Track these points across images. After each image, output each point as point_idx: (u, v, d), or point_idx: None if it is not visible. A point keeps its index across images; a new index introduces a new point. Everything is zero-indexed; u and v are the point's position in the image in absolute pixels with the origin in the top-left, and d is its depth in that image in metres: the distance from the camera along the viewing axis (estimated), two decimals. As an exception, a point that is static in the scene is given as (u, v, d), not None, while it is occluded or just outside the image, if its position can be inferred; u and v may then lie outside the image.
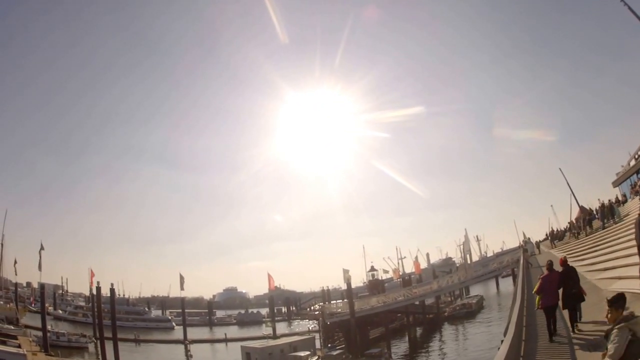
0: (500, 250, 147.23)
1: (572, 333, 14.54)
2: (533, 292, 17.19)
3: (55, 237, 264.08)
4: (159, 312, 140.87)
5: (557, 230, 74.09)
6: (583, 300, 15.37)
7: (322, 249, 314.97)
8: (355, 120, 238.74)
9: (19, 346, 56.69)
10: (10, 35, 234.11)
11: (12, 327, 71.16)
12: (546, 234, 79.07)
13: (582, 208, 60.95)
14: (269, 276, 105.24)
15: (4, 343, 57.00)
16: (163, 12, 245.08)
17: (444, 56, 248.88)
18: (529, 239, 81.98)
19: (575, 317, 15.10)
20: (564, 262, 16.18)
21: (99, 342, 68.67)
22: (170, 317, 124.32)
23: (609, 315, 7.67)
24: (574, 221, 57.47)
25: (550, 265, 15.89)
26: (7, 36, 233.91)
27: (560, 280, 15.08)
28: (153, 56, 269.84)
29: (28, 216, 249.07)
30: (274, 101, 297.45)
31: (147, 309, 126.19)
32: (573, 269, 16.04)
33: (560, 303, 15.14)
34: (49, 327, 68.55)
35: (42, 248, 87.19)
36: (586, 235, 44.59)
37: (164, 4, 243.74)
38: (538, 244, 75.34)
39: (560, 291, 15.05)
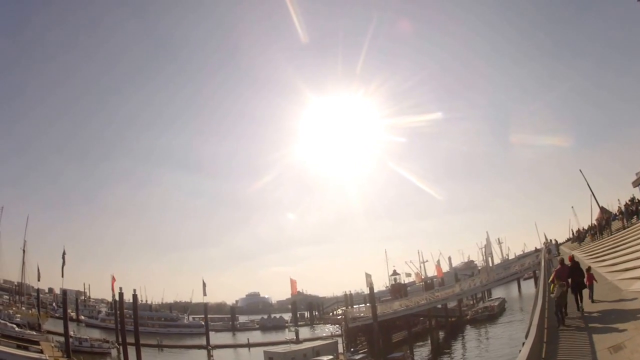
0: (521, 253, 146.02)
1: (578, 311, 19.06)
2: (549, 281, 21.50)
3: (78, 243, 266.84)
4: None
5: (579, 230, 73.71)
6: (585, 287, 20.11)
7: (344, 254, 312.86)
8: (376, 125, 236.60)
9: (41, 352, 57.52)
10: (34, 41, 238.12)
11: (34, 333, 72.08)
12: (552, 240, 79.01)
13: (602, 209, 60.62)
14: (292, 281, 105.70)
15: (26, 349, 57.90)
16: (185, 17, 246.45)
17: (465, 60, 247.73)
18: (550, 241, 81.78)
19: (579, 301, 19.50)
20: (572, 259, 22.13)
21: (121, 347, 69.32)
22: (203, 323, 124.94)
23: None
24: (596, 222, 57.21)
25: (562, 261, 21.11)
26: (31, 42, 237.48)
27: (569, 272, 19.74)
28: (176, 61, 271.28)
29: (51, 222, 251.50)
30: (296, 105, 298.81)
31: (180, 315, 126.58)
32: (578, 264, 20.91)
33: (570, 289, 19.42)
34: (71, 333, 69.25)
35: (64, 254, 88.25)
36: (609, 236, 44.36)
37: (186, 10, 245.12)
38: (559, 245, 75.00)
39: (570, 281, 19.43)
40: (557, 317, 17.99)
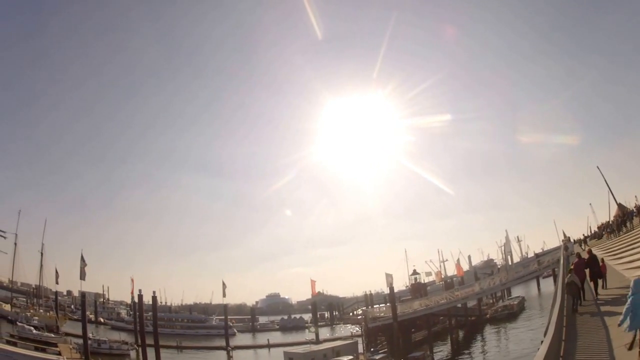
0: (540, 251, 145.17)
1: (595, 296, 22.65)
2: (568, 271, 23.85)
3: (97, 246, 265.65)
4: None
5: (600, 225, 73.39)
6: (602, 276, 23.73)
7: (364, 254, 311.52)
8: (394, 124, 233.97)
9: (59, 353, 58.24)
10: (50, 46, 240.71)
11: (52, 335, 73.07)
12: (569, 237, 79.00)
13: (620, 206, 60.36)
14: (312, 282, 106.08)
15: (43, 350, 58.76)
16: (202, 20, 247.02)
17: (483, 59, 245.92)
18: (569, 238, 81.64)
19: (597, 287, 23.25)
20: (590, 252, 26.33)
21: (140, 349, 69.89)
22: (231, 324, 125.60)
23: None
24: (614, 219, 56.96)
25: (579, 254, 25.68)
26: (47, 47, 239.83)
27: (586, 263, 23.42)
28: (193, 64, 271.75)
29: (69, 225, 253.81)
30: (314, 106, 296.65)
31: (208, 317, 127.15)
32: (595, 257, 24.22)
33: (588, 278, 23.48)
34: (90, 335, 69.87)
35: (82, 259, 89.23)
36: (627, 233, 44.16)
37: (203, 12, 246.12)
38: (584, 241, 74.69)
39: (588, 271, 23.36)
40: (572, 305, 20.48)
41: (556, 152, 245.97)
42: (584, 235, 77.77)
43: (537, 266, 71.13)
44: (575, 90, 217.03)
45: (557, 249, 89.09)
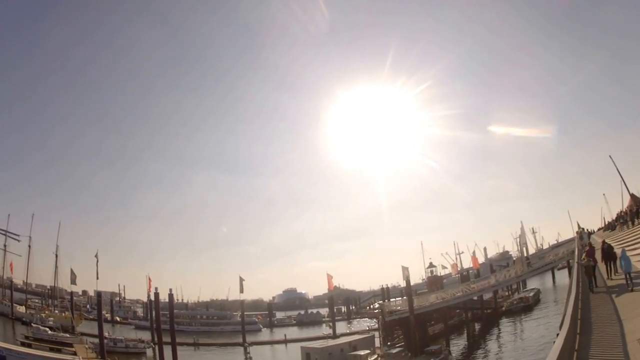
0: (555, 242, 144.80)
1: (607, 280, 25.73)
2: (582, 257, 28.16)
3: (114, 246, 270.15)
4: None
5: (617, 215, 73.17)
6: (615, 258, 26.52)
7: (380, 247, 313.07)
8: (410, 117, 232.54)
9: (75, 353, 58.69)
10: (60, 54, 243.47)
11: (68, 335, 73.89)
12: (584, 229, 78.95)
13: (633, 196, 60.04)
14: (328, 276, 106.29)
15: (59, 351, 59.37)
16: (209, 19, 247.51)
17: (493, 47, 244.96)
18: (583, 229, 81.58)
19: (610, 270, 26.71)
20: (604, 242, 30.81)
21: (157, 347, 70.37)
22: (256, 320, 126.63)
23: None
24: (626, 210, 56.64)
25: (590, 244, 33.76)
26: (57, 56, 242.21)
27: (602, 250, 28.05)
28: (203, 64, 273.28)
29: (86, 227, 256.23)
30: (326, 100, 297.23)
31: (233, 314, 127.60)
32: (610, 245, 28.56)
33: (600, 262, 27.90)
34: (106, 334, 70.64)
35: (97, 260, 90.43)
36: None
37: (209, 11, 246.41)
38: (591, 233, 74.50)
39: (601, 256, 28.12)
40: (589, 285, 24.48)
41: (570, 141, 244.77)
42: (587, 229, 77.72)
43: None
44: (584, 76, 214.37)
45: (571, 240, 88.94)
